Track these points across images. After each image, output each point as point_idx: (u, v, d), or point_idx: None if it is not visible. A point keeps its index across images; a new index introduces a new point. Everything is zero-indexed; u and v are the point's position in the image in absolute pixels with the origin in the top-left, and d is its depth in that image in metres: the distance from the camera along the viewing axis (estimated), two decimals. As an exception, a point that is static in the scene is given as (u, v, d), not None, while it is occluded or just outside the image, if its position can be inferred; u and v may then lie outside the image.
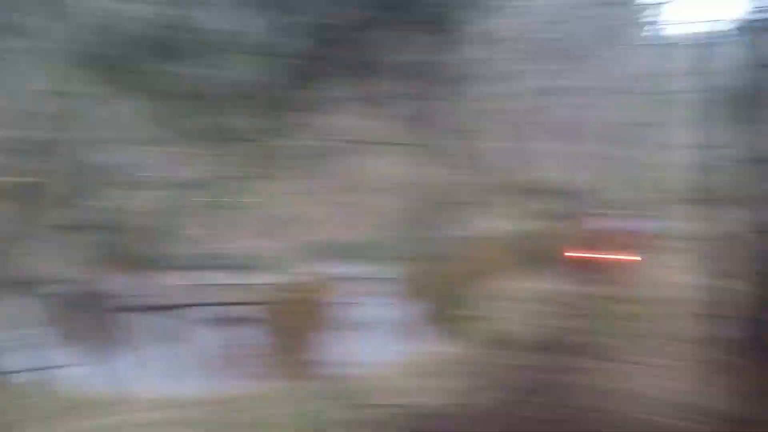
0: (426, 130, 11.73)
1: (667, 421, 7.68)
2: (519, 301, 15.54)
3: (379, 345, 14.56)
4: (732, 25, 6.21)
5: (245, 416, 11.26)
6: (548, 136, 31.31)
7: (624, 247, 21.58)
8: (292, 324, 10.36)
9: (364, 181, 27.71)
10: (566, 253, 19.54)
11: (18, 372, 13.00)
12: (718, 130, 6.43)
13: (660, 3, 26.64)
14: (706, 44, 6.28)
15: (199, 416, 11.42)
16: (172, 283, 18.74)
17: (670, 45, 19.12)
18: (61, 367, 14.18)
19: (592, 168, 19.02)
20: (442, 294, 12.90)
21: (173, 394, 12.81)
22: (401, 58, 9.34)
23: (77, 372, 13.97)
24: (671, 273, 13.68)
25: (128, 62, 9.47)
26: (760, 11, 6.25)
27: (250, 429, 10.41)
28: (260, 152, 11.39)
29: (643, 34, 29.42)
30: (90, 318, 14.01)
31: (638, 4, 16.56)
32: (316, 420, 8.51)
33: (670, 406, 8.36)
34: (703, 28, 7.98)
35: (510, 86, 17.33)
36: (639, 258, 16.23)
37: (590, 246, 16.50)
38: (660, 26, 29.65)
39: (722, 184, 6.58)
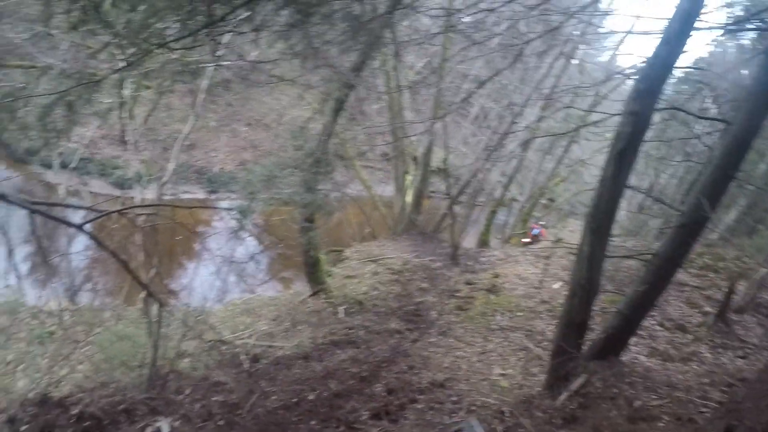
0: (337, 84, 11.18)
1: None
2: (369, 263, 15.60)
3: (229, 281, 14.38)
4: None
5: (95, 332, 10.90)
6: (464, 124, 31.45)
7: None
8: (149, 244, 9.91)
9: (261, 116, 27.23)
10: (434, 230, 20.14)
11: None
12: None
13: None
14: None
15: (47, 328, 10.99)
16: (48, 179, 18.03)
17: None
18: None
19: (496, 163, 19.17)
20: (304, 244, 12.64)
21: (24, 300, 12.37)
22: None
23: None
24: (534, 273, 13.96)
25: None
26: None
27: (98, 346, 10.06)
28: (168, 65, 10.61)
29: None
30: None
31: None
32: (165, 345, 8.19)
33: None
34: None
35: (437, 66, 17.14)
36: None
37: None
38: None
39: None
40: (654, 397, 6.73)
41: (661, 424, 5.99)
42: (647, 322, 9.93)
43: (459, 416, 7.15)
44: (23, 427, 6.18)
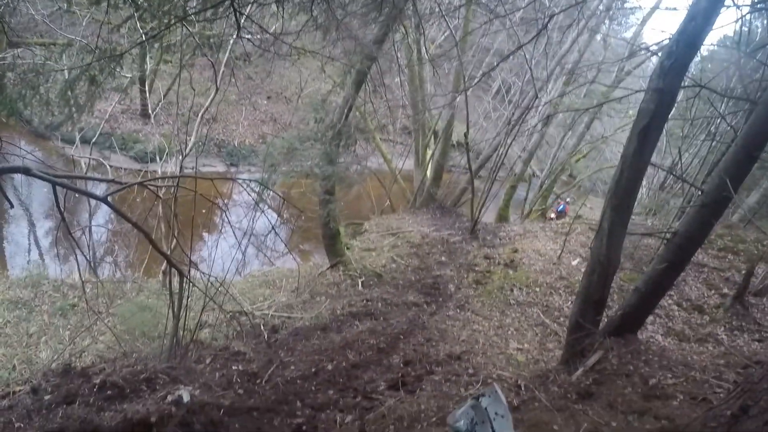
0: (358, 56, 11.14)
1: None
2: (388, 237, 15.63)
3: (248, 253, 14.47)
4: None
5: (116, 304, 11.05)
6: (485, 99, 31.24)
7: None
8: (170, 217, 10.00)
9: (281, 90, 27.23)
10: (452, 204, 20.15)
11: None
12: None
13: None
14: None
15: (70, 300, 11.14)
16: (69, 153, 18.19)
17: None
18: None
19: (517, 138, 19.07)
20: (323, 216, 12.69)
21: (47, 273, 12.51)
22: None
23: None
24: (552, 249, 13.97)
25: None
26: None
27: (119, 318, 10.23)
28: (189, 39, 10.67)
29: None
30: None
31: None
32: (186, 316, 8.31)
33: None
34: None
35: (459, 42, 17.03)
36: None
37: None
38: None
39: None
40: (669, 375, 6.75)
41: (676, 403, 6.01)
42: (665, 302, 9.93)
43: (475, 389, 7.21)
44: (46, 397, 6.32)
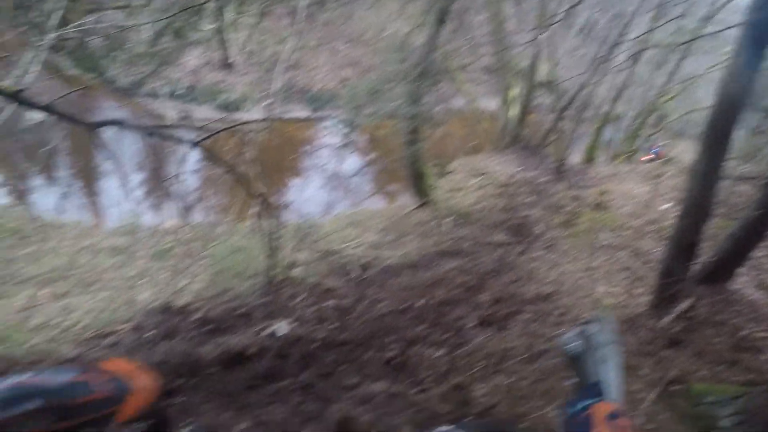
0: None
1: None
2: (473, 177, 15.44)
3: (335, 194, 14.60)
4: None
5: (210, 246, 11.41)
6: (572, 37, 30.14)
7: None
8: (258, 162, 10.21)
9: (360, 33, 27.06)
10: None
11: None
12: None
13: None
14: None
15: (165, 245, 11.57)
16: (154, 108, 18.71)
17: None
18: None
19: (603, 77, 18.33)
20: (408, 157, 12.62)
21: (142, 221, 13.02)
22: None
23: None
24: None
25: None
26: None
27: (214, 259, 10.56)
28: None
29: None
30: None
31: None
32: (278, 255, 8.57)
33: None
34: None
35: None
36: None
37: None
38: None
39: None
40: (760, 329, 6.60)
41: (765, 357, 5.89)
42: (756, 254, 9.58)
43: (564, 329, 7.22)
44: (148, 334, 6.70)
